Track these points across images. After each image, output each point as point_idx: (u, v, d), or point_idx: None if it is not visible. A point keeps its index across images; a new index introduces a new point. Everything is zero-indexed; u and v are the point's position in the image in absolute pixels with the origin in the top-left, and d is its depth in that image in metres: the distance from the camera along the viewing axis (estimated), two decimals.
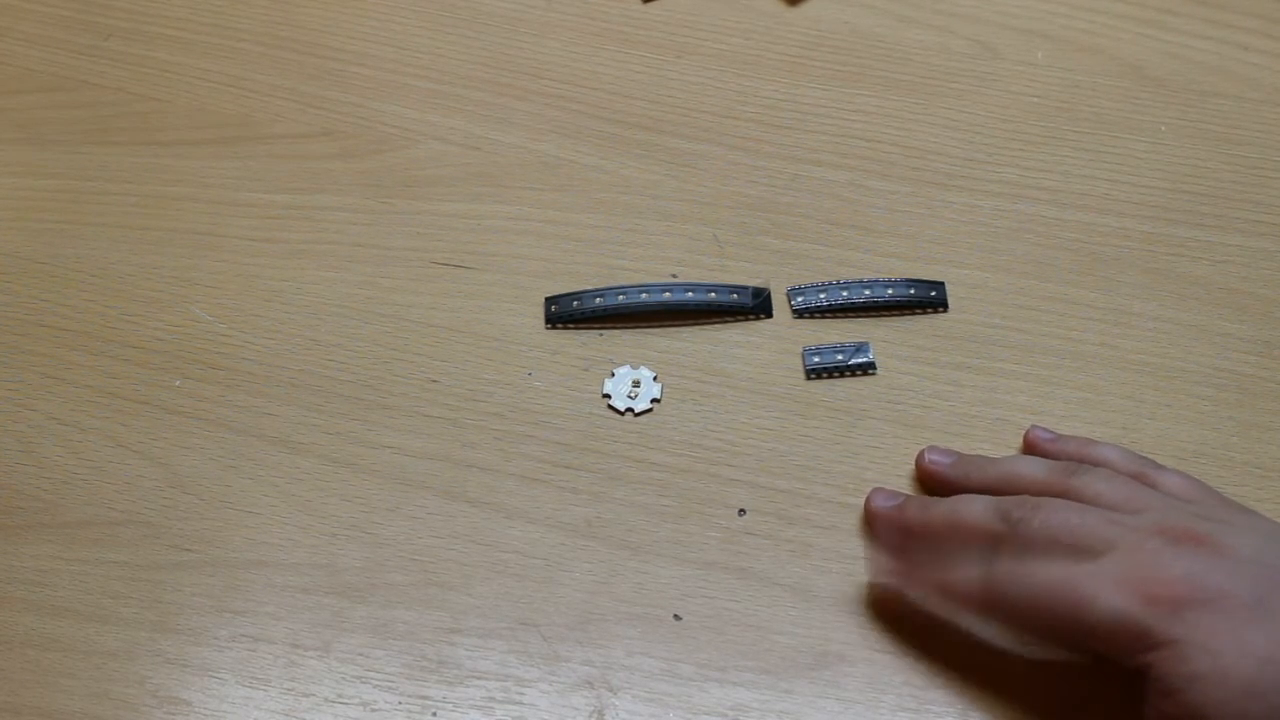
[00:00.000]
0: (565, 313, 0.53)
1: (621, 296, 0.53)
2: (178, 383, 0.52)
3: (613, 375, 0.52)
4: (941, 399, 0.51)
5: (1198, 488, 0.44)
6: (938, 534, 0.44)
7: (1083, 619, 0.39)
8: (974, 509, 0.44)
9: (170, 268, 0.55)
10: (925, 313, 0.53)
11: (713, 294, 0.53)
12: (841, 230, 0.56)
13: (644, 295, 0.53)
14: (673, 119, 0.59)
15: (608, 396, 0.51)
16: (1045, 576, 0.40)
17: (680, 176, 0.57)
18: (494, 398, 0.51)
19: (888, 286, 0.53)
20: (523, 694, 0.45)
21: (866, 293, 0.53)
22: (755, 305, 0.53)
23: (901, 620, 0.46)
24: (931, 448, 0.48)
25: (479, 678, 0.46)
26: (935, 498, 0.46)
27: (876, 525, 0.47)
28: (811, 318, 0.53)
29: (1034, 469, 0.45)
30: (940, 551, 0.44)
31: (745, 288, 0.53)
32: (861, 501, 0.48)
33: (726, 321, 0.53)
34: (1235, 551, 0.39)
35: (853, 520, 0.48)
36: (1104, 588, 0.39)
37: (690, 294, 0.53)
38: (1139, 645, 0.38)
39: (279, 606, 0.47)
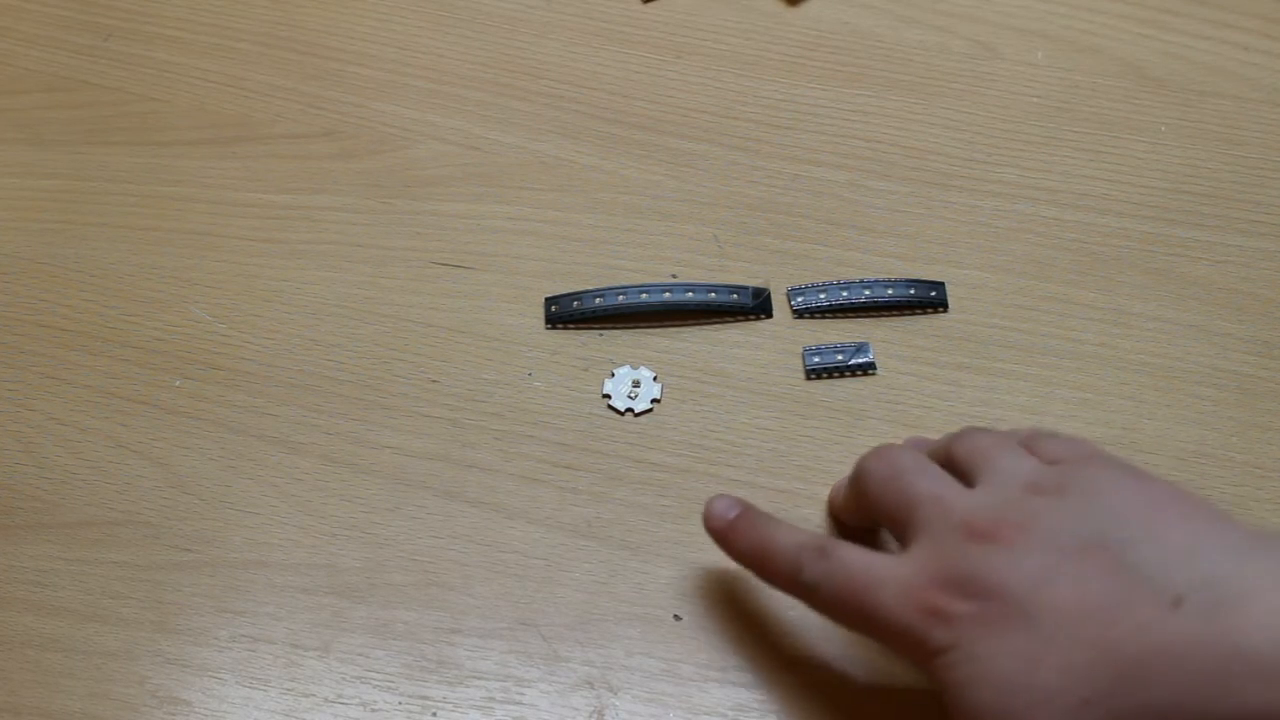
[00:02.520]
0: (565, 313, 0.53)
1: (621, 296, 0.53)
2: (178, 383, 0.52)
3: (613, 375, 0.52)
4: (941, 399, 0.51)
5: (1072, 447, 0.42)
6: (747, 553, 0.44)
7: (875, 625, 0.39)
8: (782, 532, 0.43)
9: (170, 268, 0.55)
10: (925, 313, 0.53)
11: (713, 294, 0.53)
12: (841, 230, 0.56)
13: (644, 295, 0.53)
14: (673, 119, 0.59)
15: (608, 396, 0.51)
16: (845, 574, 0.40)
17: (680, 176, 0.57)
18: (494, 398, 0.51)
19: (888, 286, 0.53)
20: (523, 694, 0.45)
21: (866, 293, 0.53)
22: (755, 305, 0.53)
23: None
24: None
25: (479, 678, 0.46)
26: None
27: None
28: (811, 318, 0.53)
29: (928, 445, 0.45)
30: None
31: (745, 288, 0.53)
32: None
33: (726, 321, 0.53)
34: (1030, 540, 0.38)
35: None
36: (890, 596, 0.39)
37: (690, 294, 0.53)
38: (918, 655, 0.39)
39: (279, 606, 0.47)
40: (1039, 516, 0.39)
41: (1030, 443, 0.43)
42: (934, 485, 0.41)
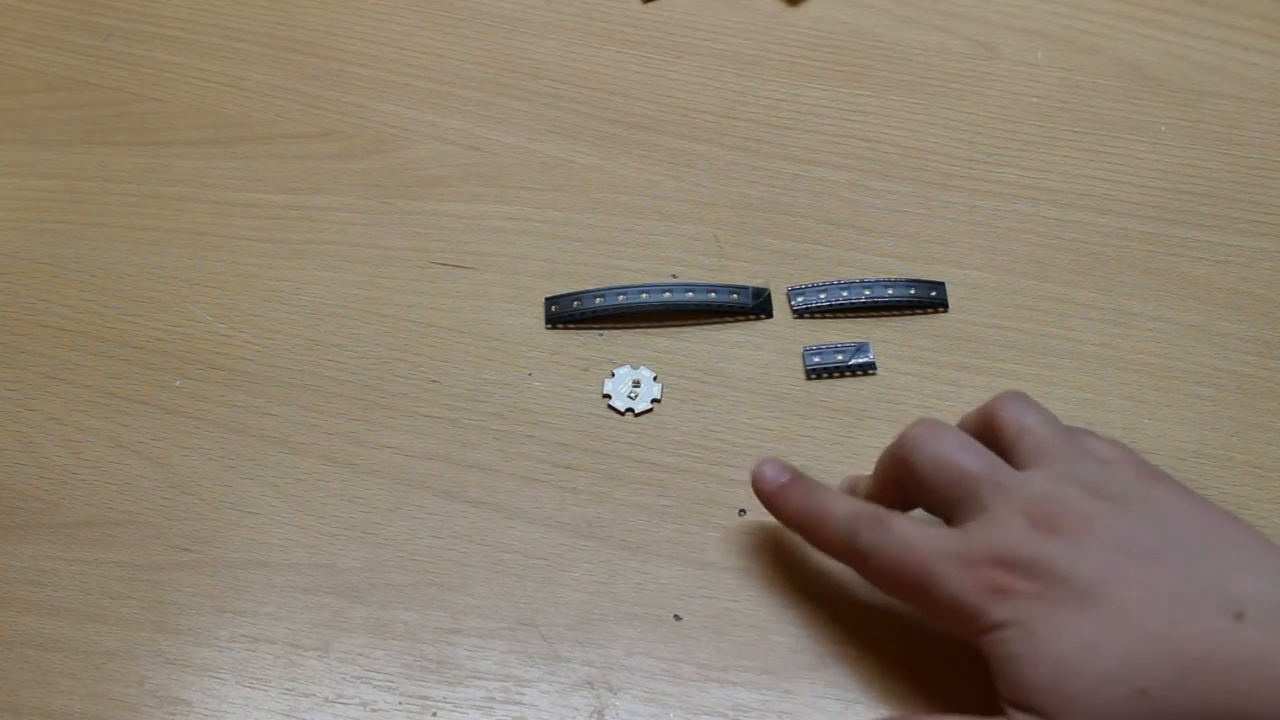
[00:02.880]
0: (565, 313, 0.53)
1: (621, 296, 0.53)
2: (178, 383, 0.52)
3: (613, 375, 0.52)
4: (941, 399, 0.51)
5: (1121, 453, 0.43)
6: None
7: (929, 595, 0.40)
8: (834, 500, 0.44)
9: (170, 268, 0.55)
10: (925, 313, 0.53)
11: (713, 294, 0.53)
12: (841, 230, 0.56)
13: (644, 295, 0.53)
14: (673, 119, 0.59)
15: (608, 396, 0.51)
16: (904, 545, 0.41)
17: (680, 176, 0.57)
18: (494, 398, 0.51)
19: (888, 286, 0.53)
20: (523, 694, 0.45)
21: (866, 293, 0.53)
22: (755, 305, 0.53)
23: (898, 618, 0.46)
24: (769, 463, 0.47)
25: (479, 678, 0.46)
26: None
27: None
28: (811, 318, 0.53)
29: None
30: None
31: (745, 288, 0.53)
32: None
33: (726, 321, 0.53)
34: (1093, 538, 0.39)
35: None
36: (950, 568, 0.40)
37: (690, 294, 0.53)
38: (973, 628, 0.39)
39: (279, 606, 0.47)
40: (1103, 519, 0.40)
41: (1075, 436, 0.43)
42: (991, 466, 0.42)
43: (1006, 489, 0.41)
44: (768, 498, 0.46)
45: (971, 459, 0.42)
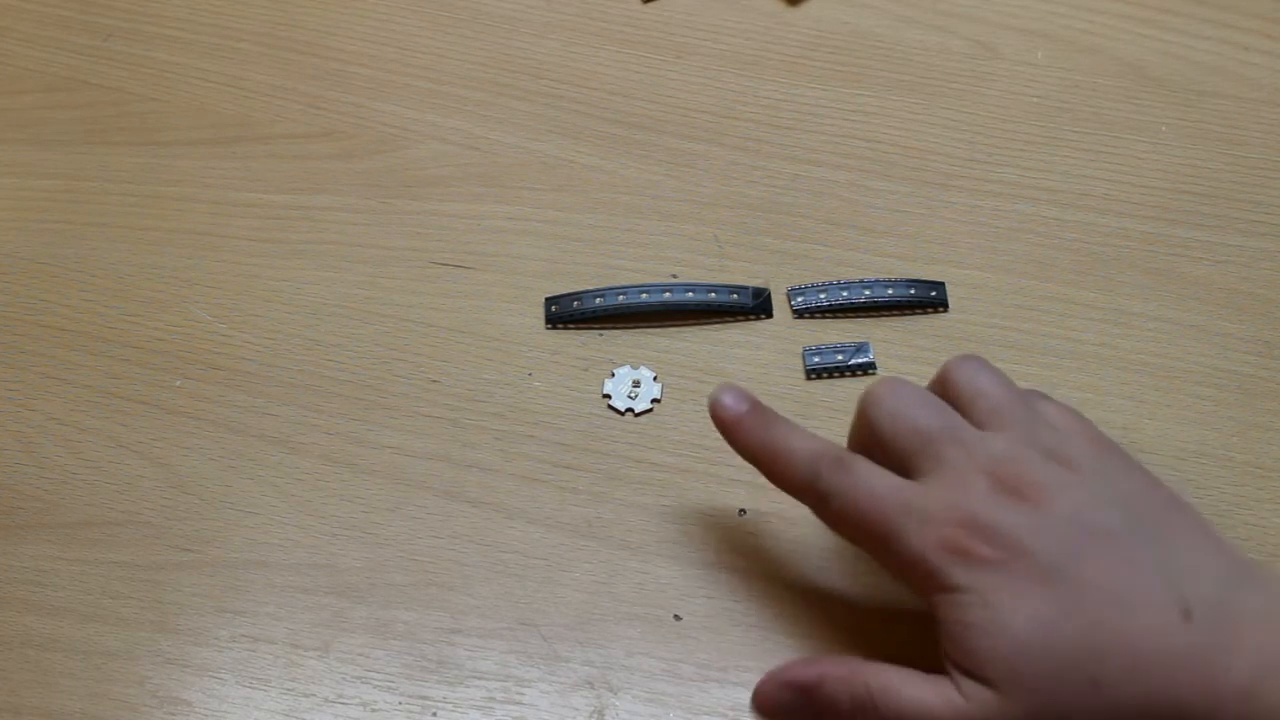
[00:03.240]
0: (565, 313, 0.53)
1: (621, 296, 0.53)
2: (178, 383, 0.52)
3: (613, 375, 0.52)
4: None
5: (1075, 420, 0.43)
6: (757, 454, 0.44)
7: (888, 547, 0.40)
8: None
9: (170, 268, 0.55)
10: (925, 313, 0.53)
11: (713, 294, 0.53)
12: (841, 230, 0.56)
13: (644, 295, 0.53)
14: (673, 119, 0.59)
15: (608, 396, 0.51)
16: (868, 492, 0.40)
17: (680, 176, 0.57)
18: (494, 398, 0.51)
19: (888, 286, 0.53)
20: (523, 694, 0.45)
21: (866, 293, 0.53)
22: (755, 305, 0.53)
23: (899, 618, 0.46)
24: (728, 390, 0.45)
25: (479, 678, 0.46)
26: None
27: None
28: (811, 318, 0.53)
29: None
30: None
31: (745, 288, 0.53)
32: None
33: (726, 321, 0.53)
34: (1056, 509, 0.39)
35: None
36: (912, 523, 0.39)
37: (690, 294, 0.53)
38: (929, 586, 0.39)
39: (279, 606, 0.47)
40: (1063, 488, 0.39)
41: (1030, 400, 0.43)
42: (950, 422, 0.41)
43: (967, 446, 0.40)
44: (726, 427, 0.44)
45: (931, 415, 0.41)
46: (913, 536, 0.39)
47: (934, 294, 0.53)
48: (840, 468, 0.41)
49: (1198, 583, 0.38)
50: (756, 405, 0.44)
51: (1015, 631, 0.37)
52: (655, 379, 0.52)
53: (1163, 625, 0.37)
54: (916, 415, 0.41)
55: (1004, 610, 0.38)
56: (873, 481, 0.41)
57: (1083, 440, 0.42)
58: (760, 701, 0.42)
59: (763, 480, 0.49)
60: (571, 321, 0.53)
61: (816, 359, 0.52)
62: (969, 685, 0.38)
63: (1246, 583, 0.39)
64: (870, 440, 0.42)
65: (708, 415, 0.51)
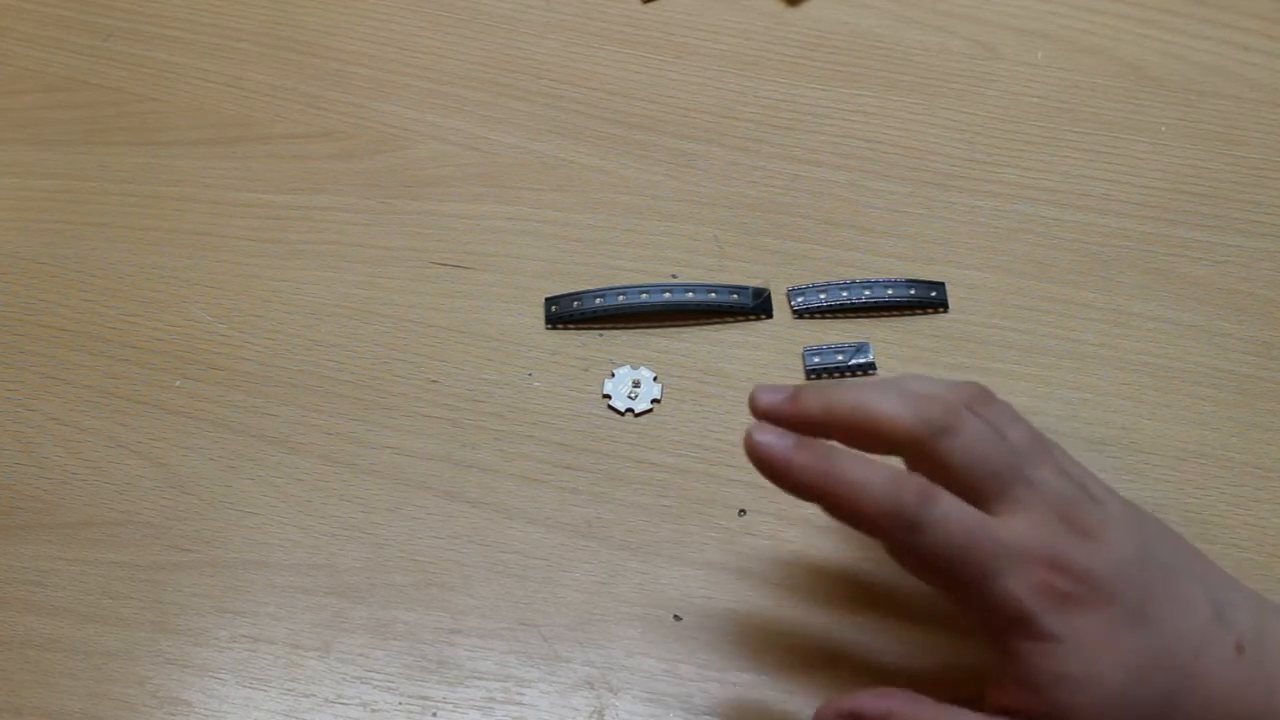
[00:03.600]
0: (565, 313, 0.53)
1: (621, 297, 0.53)
2: (178, 383, 0.52)
3: (613, 375, 0.52)
4: None
5: (1045, 447, 0.40)
6: (843, 424, 0.39)
7: (980, 589, 0.37)
8: (888, 400, 0.38)
9: (170, 268, 0.55)
10: (925, 313, 0.53)
11: (713, 294, 0.53)
12: (841, 230, 0.56)
13: (644, 295, 0.53)
14: (673, 119, 0.59)
15: (608, 397, 0.51)
16: (961, 526, 0.37)
17: (680, 176, 0.57)
18: (494, 398, 0.51)
19: (888, 287, 0.53)
20: (523, 694, 0.45)
21: (866, 293, 0.53)
22: (755, 305, 0.53)
23: (899, 618, 0.46)
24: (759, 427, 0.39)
25: (479, 678, 0.46)
26: (837, 383, 0.41)
27: (758, 444, 0.39)
28: (811, 318, 0.53)
29: (931, 387, 0.40)
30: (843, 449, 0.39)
31: (745, 288, 0.53)
32: None
33: (726, 322, 0.53)
34: (1119, 549, 0.38)
35: None
36: (1004, 564, 0.37)
37: (690, 294, 0.53)
38: (1016, 631, 0.37)
39: (279, 607, 0.47)
40: (1113, 525, 0.38)
41: (1038, 435, 0.41)
42: (1015, 459, 0.39)
43: (1033, 484, 0.38)
44: (775, 471, 0.39)
45: (1001, 449, 0.39)
46: (1008, 578, 0.37)
47: (934, 294, 0.53)
48: (928, 499, 0.37)
49: (1238, 615, 0.38)
50: (802, 438, 0.39)
51: (1110, 686, 0.36)
52: (655, 379, 0.52)
53: (1224, 660, 0.37)
54: (989, 450, 0.38)
55: (1100, 663, 0.36)
56: (964, 515, 0.37)
57: (1076, 472, 0.41)
58: None
59: (763, 480, 0.49)
60: (571, 321, 0.53)
61: (816, 359, 0.52)
62: None
63: (1268, 611, 0.39)
64: (936, 470, 0.39)
65: (707, 415, 0.51)
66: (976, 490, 0.38)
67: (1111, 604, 0.37)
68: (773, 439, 0.38)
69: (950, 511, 0.37)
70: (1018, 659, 0.37)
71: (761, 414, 0.40)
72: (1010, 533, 0.37)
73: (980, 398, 0.40)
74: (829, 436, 0.40)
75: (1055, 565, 0.37)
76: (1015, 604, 0.37)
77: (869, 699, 0.39)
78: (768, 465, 0.39)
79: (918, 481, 0.38)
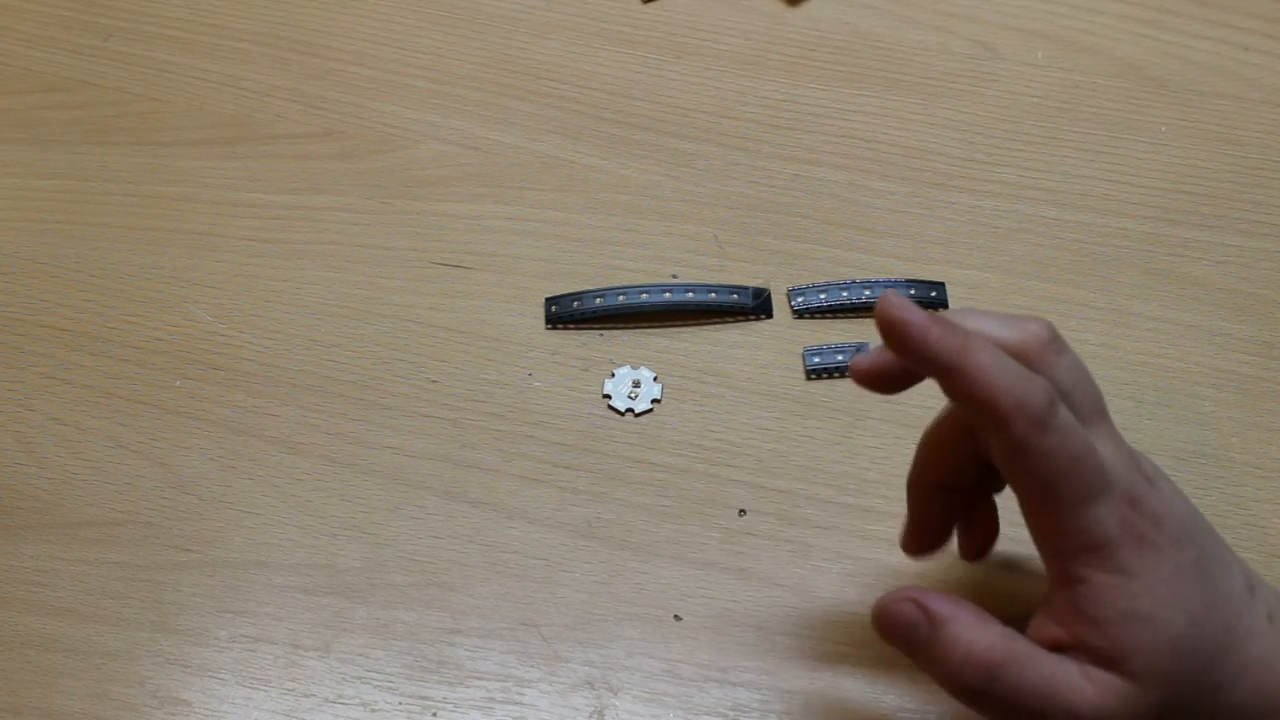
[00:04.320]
0: (565, 313, 0.53)
1: (621, 297, 0.53)
2: (178, 383, 0.52)
3: (613, 375, 0.52)
4: (942, 399, 0.51)
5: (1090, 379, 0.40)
6: (964, 388, 0.36)
7: (1078, 508, 0.36)
8: (1036, 383, 0.36)
9: (170, 268, 0.55)
10: None
11: (713, 294, 0.53)
12: (841, 230, 0.56)
13: (644, 295, 0.53)
14: (673, 119, 0.59)
15: (608, 397, 0.51)
16: (1083, 439, 0.36)
17: (680, 176, 0.57)
18: (494, 398, 0.51)
19: (888, 286, 0.53)
20: (523, 694, 0.45)
21: (866, 293, 0.53)
22: (755, 305, 0.53)
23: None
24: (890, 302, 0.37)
25: (479, 678, 0.46)
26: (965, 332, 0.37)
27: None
28: (812, 318, 0.53)
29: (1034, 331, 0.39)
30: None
31: (745, 288, 0.53)
32: (862, 502, 0.48)
33: (727, 322, 0.53)
34: (1178, 503, 0.38)
35: (853, 521, 0.48)
36: (1104, 488, 0.36)
37: (690, 294, 0.53)
38: (1095, 559, 0.36)
39: (279, 607, 0.47)
40: (1160, 476, 0.38)
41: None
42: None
43: (1113, 425, 0.38)
44: (909, 335, 0.36)
45: (1091, 382, 0.38)
46: (1102, 503, 0.36)
47: (934, 294, 0.53)
48: (1058, 401, 0.36)
49: (1264, 590, 0.39)
50: (935, 316, 0.37)
51: (1172, 630, 0.36)
52: (655, 379, 0.52)
53: (1260, 627, 0.37)
54: (1085, 377, 0.38)
55: (1168, 605, 0.36)
56: (1082, 432, 0.36)
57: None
58: (881, 614, 0.39)
59: (763, 480, 0.50)
60: (571, 321, 0.53)
61: (817, 359, 0.52)
62: (1098, 673, 0.36)
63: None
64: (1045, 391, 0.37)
65: (707, 415, 0.51)
66: (1078, 411, 0.37)
67: (1179, 551, 0.37)
68: (910, 306, 0.36)
69: (1073, 422, 0.36)
70: (1088, 589, 0.36)
71: (887, 327, 0.37)
72: (1109, 461, 0.37)
73: (1053, 356, 0.39)
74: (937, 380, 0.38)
75: (1134, 503, 0.37)
76: (1103, 531, 0.36)
77: (939, 600, 0.38)
78: (902, 329, 0.36)
79: (1047, 383, 0.36)
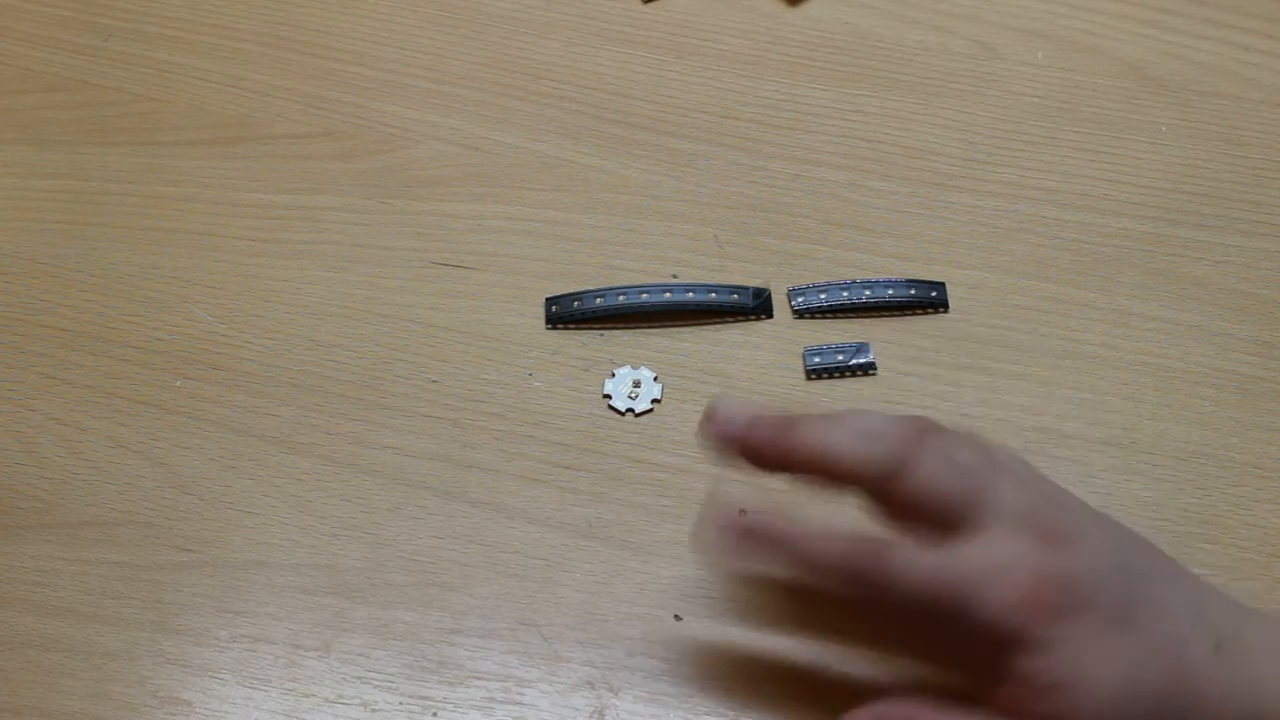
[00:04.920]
0: (566, 313, 0.53)
1: (622, 297, 0.53)
2: (178, 383, 0.52)
3: (613, 375, 0.52)
4: (942, 399, 0.51)
5: (1003, 465, 0.40)
6: (804, 463, 0.40)
7: (964, 618, 0.37)
8: (845, 440, 0.39)
9: (170, 268, 0.55)
10: (925, 313, 0.53)
11: (713, 294, 0.53)
12: (841, 230, 0.56)
13: (644, 295, 0.53)
14: (673, 119, 0.59)
15: (608, 397, 0.51)
16: (930, 564, 0.37)
17: (680, 176, 0.57)
18: (494, 398, 0.51)
19: (888, 287, 0.53)
20: (523, 694, 0.45)
21: (867, 293, 0.53)
22: (755, 305, 0.53)
23: None
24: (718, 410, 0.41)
25: (479, 678, 0.46)
26: (803, 416, 0.40)
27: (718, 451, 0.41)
28: (812, 318, 0.53)
29: (880, 424, 0.40)
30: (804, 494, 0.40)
31: (745, 288, 0.53)
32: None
33: (727, 322, 0.53)
34: (1095, 555, 0.38)
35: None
36: (980, 585, 0.37)
37: (690, 294, 0.53)
38: (1006, 648, 0.37)
39: (279, 607, 0.47)
40: (1086, 531, 0.39)
41: (996, 450, 0.41)
42: (973, 481, 0.39)
43: (996, 505, 0.38)
44: (738, 439, 0.40)
45: (957, 476, 0.39)
46: (985, 598, 0.36)
47: (934, 294, 0.53)
48: (884, 556, 0.38)
49: (1215, 617, 0.38)
50: (748, 525, 0.41)
51: (1104, 690, 0.36)
52: (655, 379, 0.52)
53: (1204, 659, 0.37)
54: (945, 480, 0.39)
55: (1092, 668, 0.36)
56: (922, 556, 0.38)
57: (1059, 489, 0.41)
58: None
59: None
60: (572, 321, 0.53)
61: (817, 359, 0.52)
62: None
63: (1245, 614, 0.39)
64: (897, 507, 0.40)
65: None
66: (941, 521, 0.38)
67: (1095, 609, 0.37)
68: (730, 410, 0.41)
69: (910, 558, 0.38)
70: (1011, 677, 0.37)
71: (716, 436, 0.41)
72: (979, 555, 0.37)
73: (928, 428, 0.40)
74: (786, 471, 0.41)
75: (1033, 576, 0.37)
76: (998, 621, 0.37)
77: (890, 706, 0.39)
78: (730, 440, 0.41)
79: (867, 545, 0.38)
